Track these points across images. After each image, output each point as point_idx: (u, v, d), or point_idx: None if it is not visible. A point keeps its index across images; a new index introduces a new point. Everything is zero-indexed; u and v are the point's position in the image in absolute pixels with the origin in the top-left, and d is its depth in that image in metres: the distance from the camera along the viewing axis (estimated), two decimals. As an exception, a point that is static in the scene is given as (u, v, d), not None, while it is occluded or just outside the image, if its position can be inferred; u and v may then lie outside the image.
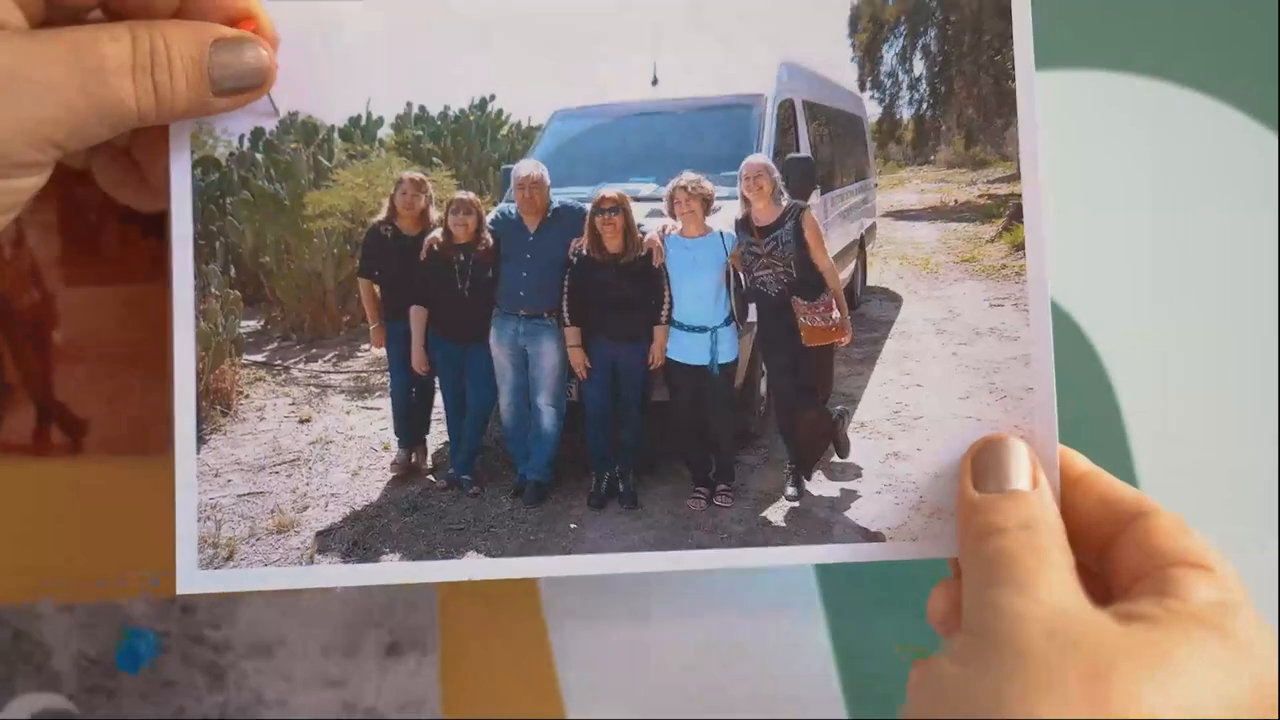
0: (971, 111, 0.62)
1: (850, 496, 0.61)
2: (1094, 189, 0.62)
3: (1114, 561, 0.53)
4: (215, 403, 0.62)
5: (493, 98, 0.63)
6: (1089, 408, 0.62)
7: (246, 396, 0.63)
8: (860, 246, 0.65)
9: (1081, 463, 0.57)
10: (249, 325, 0.63)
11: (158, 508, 0.63)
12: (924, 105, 0.63)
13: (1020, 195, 0.60)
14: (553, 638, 0.64)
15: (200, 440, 0.61)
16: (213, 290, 0.62)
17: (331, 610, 0.62)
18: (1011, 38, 0.60)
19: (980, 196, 0.62)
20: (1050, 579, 0.51)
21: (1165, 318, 0.62)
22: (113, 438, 0.65)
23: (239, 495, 0.62)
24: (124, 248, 0.65)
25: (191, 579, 0.61)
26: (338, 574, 0.61)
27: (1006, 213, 0.61)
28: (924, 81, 0.63)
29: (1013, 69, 0.60)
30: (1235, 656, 0.48)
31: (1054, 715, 0.45)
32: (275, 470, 0.62)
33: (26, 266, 0.65)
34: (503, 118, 0.63)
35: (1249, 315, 0.62)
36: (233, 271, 0.63)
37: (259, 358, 0.63)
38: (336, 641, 0.64)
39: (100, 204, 0.65)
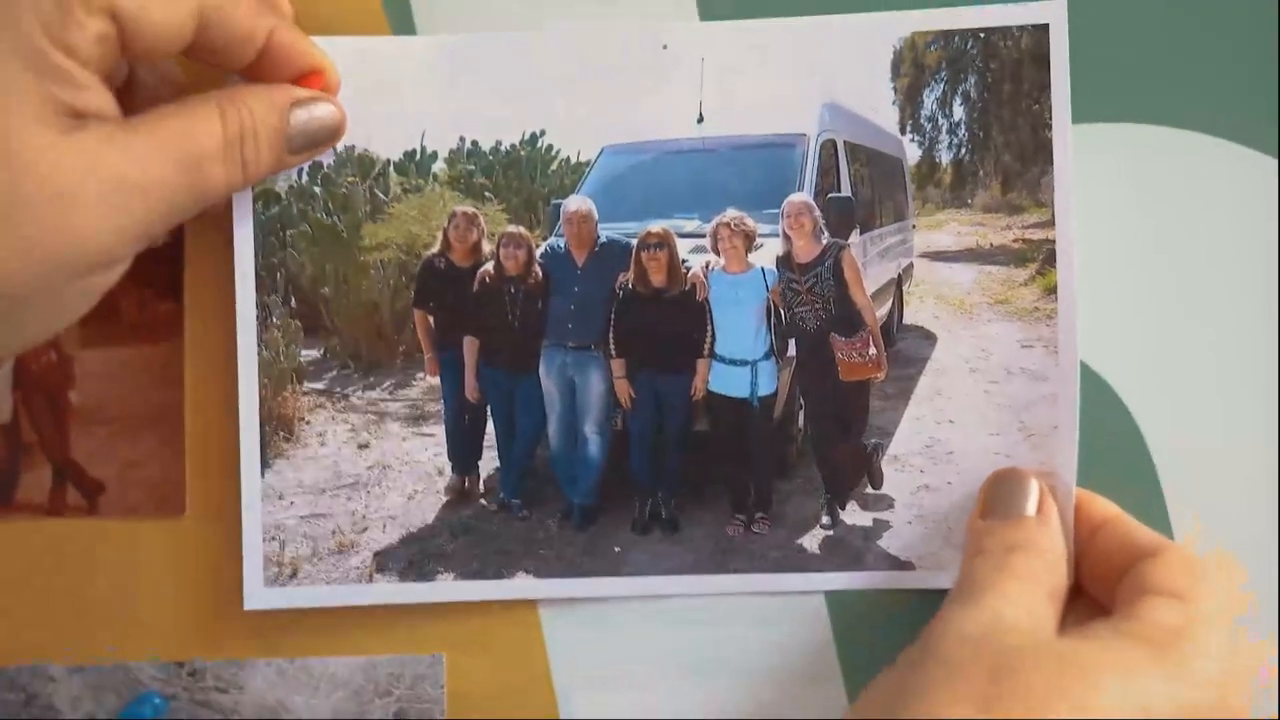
0: (1009, 158, 0.64)
1: (882, 526, 0.64)
2: (1126, 246, 0.64)
3: (1115, 599, 0.55)
4: (278, 428, 0.65)
5: (543, 133, 0.65)
6: (1121, 460, 0.63)
7: (308, 422, 0.66)
8: (897, 285, 0.67)
9: (1107, 508, 0.60)
10: (309, 354, 0.66)
11: (173, 569, 0.65)
12: (962, 150, 0.65)
13: (1054, 241, 0.62)
14: (561, 710, 0.65)
15: (265, 464, 0.65)
16: (274, 320, 0.65)
17: (340, 678, 0.64)
18: (1049, 87, 0.62)
19: (1015, 241, 0.64)
20: (1006, 595, 0.52)
21: (1194, 369, 0.64)
22: (129, 499, 0.66)
23: (301, 516, 0.65)
24: (141, 310, 0.66)
25: (258, 595, 0.65)
26: (395, 592, 0.65)
27: (1040, 257, 0.63)
28: (963, 127, 0.65)
29: (1050, 118, 0.62)
30: (1166, 675, 0.49)
31: (945, 709, 0.46)
32: (336, 493, 0.65)
33: (44, 329, 0.67)
34: (553, 153, 0.65)
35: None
36: (293, 302, 0.65)
37: (319, 385, 0.66)
38: (344, 709, 0.65)
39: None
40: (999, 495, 0.59)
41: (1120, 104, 0.63)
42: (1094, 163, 0.63)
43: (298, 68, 0.58)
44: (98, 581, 0.66)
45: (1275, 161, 0.63)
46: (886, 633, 0.63)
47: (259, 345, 0.64)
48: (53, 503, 0.68)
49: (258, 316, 0.64)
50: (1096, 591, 0.58)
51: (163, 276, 0.66)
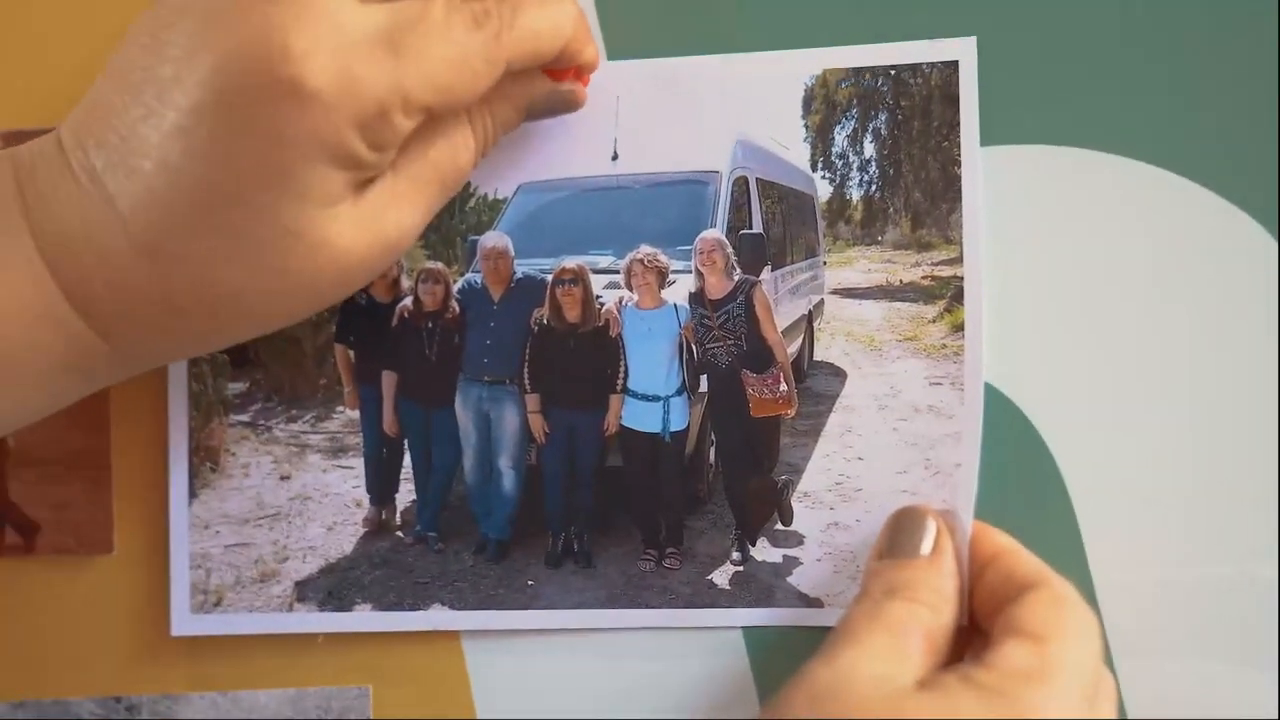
0: (918, 195, 0.63)
1: (792, 563, 0.64)
2: (1040, 274, 0.63)
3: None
4: (205, 460, 0.67)
5: (461, 171, 0.66)
6: (1035, 490, 0.62)
7: (233, 454, 0.67)
8: (808, 322, 0.67)
9: (999, 541, 0.58)
10: (235, 387, 0.68)
11: (104, 605, 0.68)
12: (873, 187, 0.64)
13: (962, 278, 0.62)
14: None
15: (192, 494, 0.67)
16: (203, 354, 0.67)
17: (270, 709, 0.66)
18: (958, 125, 0.62)
19: (924, 278, 0.64)
20: (870, 647, 0.52)
21: (1113, 404, 0.63)
22: (60, 539, 0.67)
23: (226, 546, 0.67)
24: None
25: (185, 622, 0.67)
26: (314, 621, 0.66)
27: (948, 294, 0.63)
28: (874, 164, 0.64)
29: (959, 155, 0.62)
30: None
31: None
32: (259, 523, 0.67)
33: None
34: (470, 190, 0.66)
35: (1203, 404, 0.62)
36: (220, 336, 0.67)
37: (244, 417, 0.68)
38: (276, 741, 0.66)
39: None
40: (896, 535, 0.59)
41: (1030, 127, 0.62)
42: (1004, 188, 0.62)
43: (562, 66, 0.58)
44: (35, 619, 0.68)
45: (1187, 181, 0.61)
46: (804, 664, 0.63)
47: (188, 379, 0.67)
48: (-10, 544, 0.69)
49: (188, 350, 0.66)
50: (988, 628, 0.57)
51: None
